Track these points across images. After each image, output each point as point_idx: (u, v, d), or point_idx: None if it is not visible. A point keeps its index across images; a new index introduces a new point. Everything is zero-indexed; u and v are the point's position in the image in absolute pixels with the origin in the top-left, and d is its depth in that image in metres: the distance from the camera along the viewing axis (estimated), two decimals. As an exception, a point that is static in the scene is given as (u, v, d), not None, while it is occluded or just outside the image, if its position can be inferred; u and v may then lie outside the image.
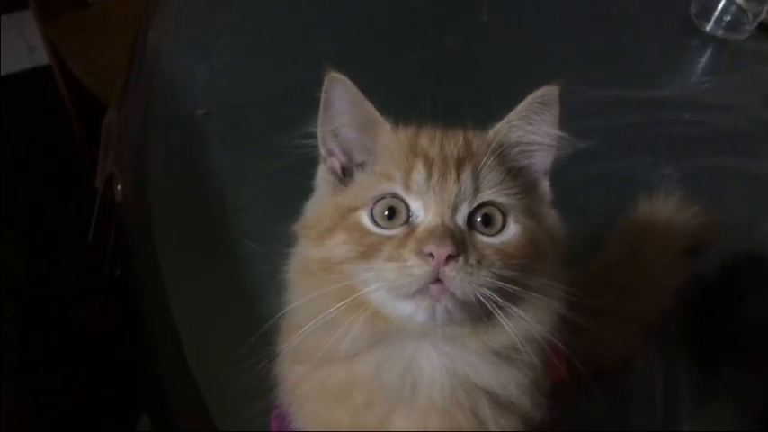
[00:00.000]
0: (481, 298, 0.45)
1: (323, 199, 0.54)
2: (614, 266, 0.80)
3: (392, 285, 0.45)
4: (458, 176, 0.48)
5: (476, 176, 0.49)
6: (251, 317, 0.77)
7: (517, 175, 0.52)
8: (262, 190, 0.87)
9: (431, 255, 0.44)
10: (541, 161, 0.53)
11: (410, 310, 0.46)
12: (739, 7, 1.14)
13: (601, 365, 0.58)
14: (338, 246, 0.49)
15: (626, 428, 0.75)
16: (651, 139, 1.01)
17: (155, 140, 0.92)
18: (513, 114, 0.51)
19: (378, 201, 0.49)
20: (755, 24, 1.16)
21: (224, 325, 0.77)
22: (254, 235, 0.83)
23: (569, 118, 0.98)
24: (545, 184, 0.54)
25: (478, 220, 0.48)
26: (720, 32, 1.16)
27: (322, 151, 0.54)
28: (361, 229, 0.49)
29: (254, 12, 1.10)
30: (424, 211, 0.48)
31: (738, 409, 0.77)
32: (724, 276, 0.83)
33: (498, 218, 0.49)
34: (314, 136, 0.53)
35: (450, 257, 0.44)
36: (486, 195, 0.49)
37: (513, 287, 0.46)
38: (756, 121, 1.06)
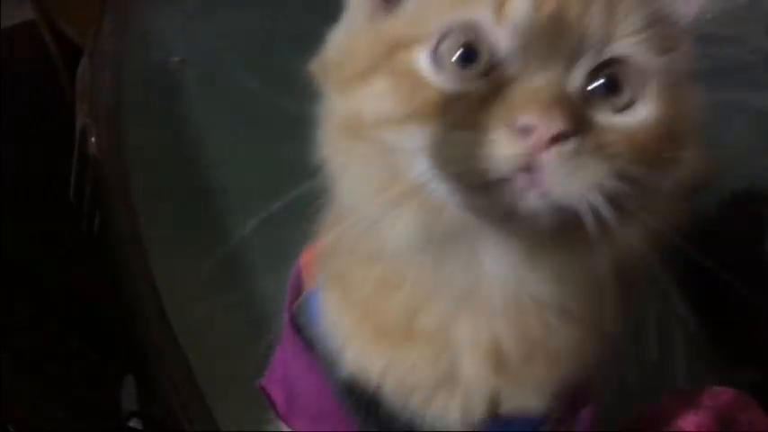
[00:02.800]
0: (587, 205, 0.30)
1: (357, 24, 0.38)
2: None
3: (459, 169, 0.31)
4: (587, 5, 0.32)
5: (611, 12, 0.32)
6: (229, 265, 0.75)
7: (660, 27, 0.35)
8: (238, 138, 0.84)
9: (527, 130, 0.30)
10: (683, 10, 0.37)
11: (479, 207, 0.32)
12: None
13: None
14: (376, 98, 0.34)
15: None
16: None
17: (129, 89, 0.89)
18: None
19: (447, 34, 0.33)
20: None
21: (202, 275, 0.76)
22: (232, 187, 0.81)
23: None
24: (685, 46, 0.37)
25: (601, 83, 0.33)
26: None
27: None
28: (415, 76, 0.33)
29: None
30: (522, 58, 0.32)
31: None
32: (720, 217, 0.81)
33: (630, 84, 0.33)
34: None
35: (556, 138, 0.29)
36: (620, 46, 0.33)
37: (631, 193, 0.31)
38: (760, 51, 1.01)
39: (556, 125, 0.29)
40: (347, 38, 0.38)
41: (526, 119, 0.29)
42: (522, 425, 0.43)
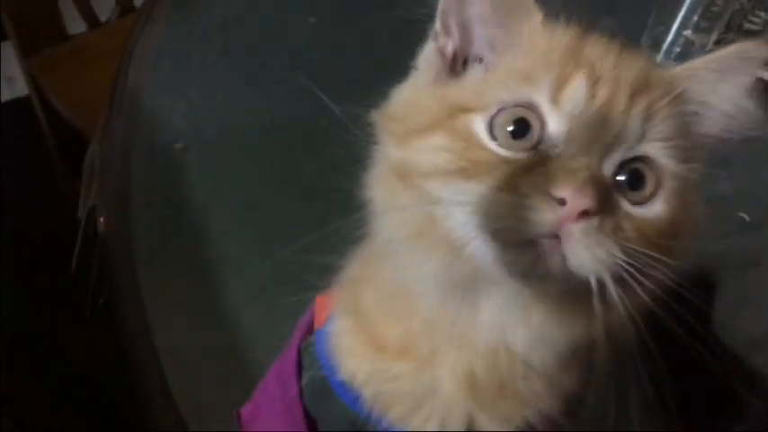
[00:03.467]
0: (594, 278, 0.35)
1: (422, 86, 0.43)
2: None
3: (495, 225, 0.35)
4: (629, 108, 0.37)
5: (648, 117, 0.37)
6: (232, 342, 0.82)
7: (683, 134, 0.40)
8: (237, 216, 0.92)
9: (562, 201, 0.34)
10: (712, 129, 0.42)
11: (498, 260, 0.36)
12: (687, 39, 1.22)
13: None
14: (431, 151, 0.38)
15: None
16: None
17: (136, 172, 0.96)
18: (701, 62, 0.42)
19: (505, 108, 0.37)
20: (703, 54, 1.24)
21: (207, 353, 0.82)
22: (232, 258, 0.88)
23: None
24: (702, 160, 0.43)
25: (625, 177, 0.37)
26: (670, 63, 1.24)
27: (437, 25, 0.42)
28: (470, 138, 0.37)
29: (226, 52, 1.15)
30: (567, 139, 0.36)
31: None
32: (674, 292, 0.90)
33: (651, 182, 0.38)
34: (428, 5, 0.43)
35: (584, 213, 0.34)
36: (649, 147, 0.38)
37: (633, 275, 0.35)
38: (704, 145, 1.12)
39: (586, 202, 0.34)
40: (412, 96, 0.43)
41: (563, 192, 0.34)
42: None
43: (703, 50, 1.23)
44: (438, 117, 0.39)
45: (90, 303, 0.95)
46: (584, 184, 0.34)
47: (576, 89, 0.37)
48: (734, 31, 1.28)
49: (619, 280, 0.35)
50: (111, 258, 0.90)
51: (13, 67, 2.50)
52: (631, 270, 0.35)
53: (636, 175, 0.37)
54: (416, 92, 0.43)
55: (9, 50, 2.21)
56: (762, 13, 1.32)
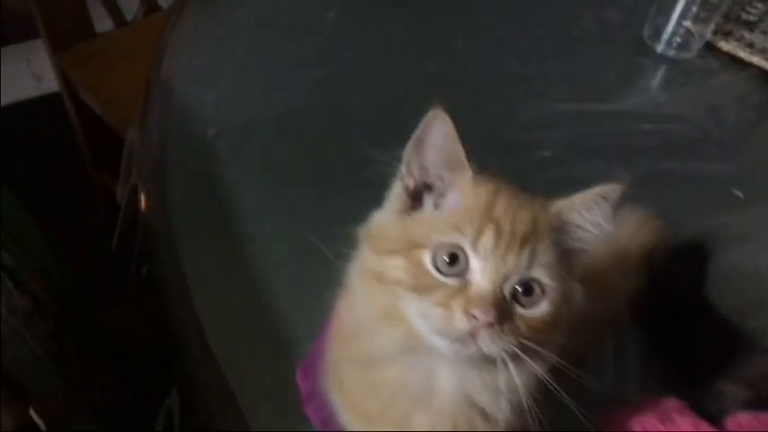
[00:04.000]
0: (498, 358, 0.52)
1: (391, 215, 0.59)
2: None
3: (433, 326, 0.52)
4: (519, 254, 0.53)
5: (533, 255, 0.53)
6: (265, 304, 0.90)
7: (561, 255, 0.56)
8: (266, 194, 1.01)
9: (475, 317, 0.50)
10: (584, 245, 0.58)
11: (441, 346, 0.53)
12: (687, 30, 1.29)
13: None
14: (395, 269, 0.54)
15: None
16: (606, 146, 1.14)
17: (172, 156, 1.05)
18: (576, 198, 0.56)
19: (442, 247, 0.53)
20: (702, 44, 1.30)
21: (245, 319, 0.90)
22: (262, 231, 0.96)
23: (542, 128, 1.13)
24: (579, 262, 0.58)
25: (520, 290, 0.53)
26: (671, 53, 1.30)
27: (403, 170, 0.58)
28: (421, 266, 0.53)
29: (254, 43, 1.24)
30: (481, 272, 0.53)
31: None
32: (667, 263, 0.97)
33: (537, 293, 0.54)
34: (399, 159, 0.58)
35: (490, 324, 0.51)
36: (534, 273, 0.54)
37: (524, 356, 0.52)
38: (701, 129, 1.19)
39: (490, 318, 0.51)
40: (385, 222, 0.59)
41: (476, 311, 0.51)
42: None
43: (701, 40, 1.30)
44: (402, 246, 0.55)
45: (133, 275, 1.04)
46: (489, 307, 0.51)
47: (487, 241, 0.53)
48: (732, 21, 1.35)
49: (514, 357, 0.52)
50: (151, 233, 0.99)
51: (42, 66, 2.61)
52: (522, 351, 0.52)
53: (527, 289, 0.54)
54: (388, 219, 0.59)
55: (38, 49, 2.30)
56: (759, 5, 1.38)
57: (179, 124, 1.09)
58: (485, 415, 0.58)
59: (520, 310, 0.54)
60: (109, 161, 1.92)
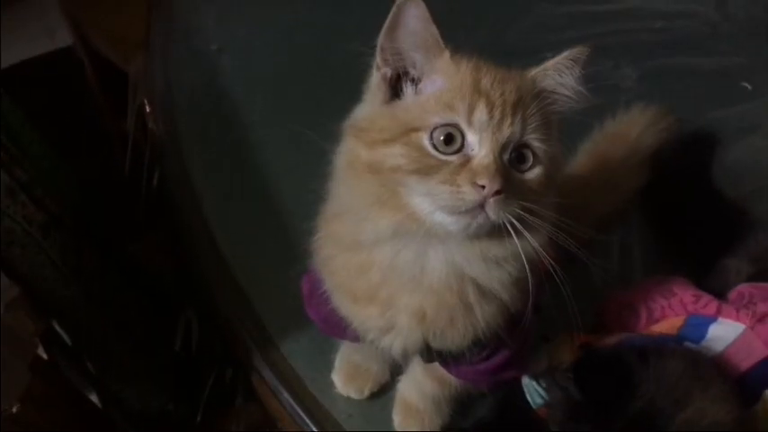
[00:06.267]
0: (506, 222, 0.53)
1: (376, 107, 0.59)
2: (585, 171, 0.92)
3: (443, 204, 0.53)
4: (512, 122, 0.55)
5: (524, 122, 0.55)
6: (273, 213, 0.92)
7: (544, 120, 0.58)
8: (268, 105, 1.02)
9: (482, 186, 0.52)
10: (560, 108, 0.59)
11: (449, 222, 0.54)
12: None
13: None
14: (395, 157, 0.55)
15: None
16: (613, 46, 1.13)
17: (177, 73, 1.06)
18: (548, 64, 0.58)
19: (437, 127, 0.55)
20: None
21: (253, 224, 0.92)
22: (264, 141, 0.98)
23: (546, 31, 1.11)
24: (558, 126, 0.60)
25: (515, 157, 0.56)
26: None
27: (378, 60, 0.58)
28: (420, 149, 0.54)
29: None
30: (479, 145, 0.54)
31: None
32: (674, 153, 0.96)
33: (530, 158, 0.56)
34: (372, 46, 0.58)
35: (497, 192, 0.52)
36: (526, 139, 0.56)
37: (528, 215, 0.54)
38: (709, 23, 1.17)
39: (497, 185, 0.52)
40: (371, 114, 0.59)
41: (483, 181, 0.52)
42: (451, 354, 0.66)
43: None
44: (396, 134, 0.56)
45: (144, 192, 1.07)
46: (495, 175, 0.53)
47: (480, 114, 0.54)
48: None
49: (519, 219, 0.54)
50: (160, 148, 1.01)
51: (54, 20, 2.62)
52: (525, 213, 0.54)
53: (521, 155, 0.56)
54: (373, 111, 0.59)
55: (50, 2, 2.31)
56: None
57: (182, 41, 1.10)
58: (479, 288, 0.60)
59: (518, 175, 0.56)
60: (123, 106, 1.94)
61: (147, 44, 1.14)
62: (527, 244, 0.56)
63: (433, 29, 0.56)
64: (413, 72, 0.58)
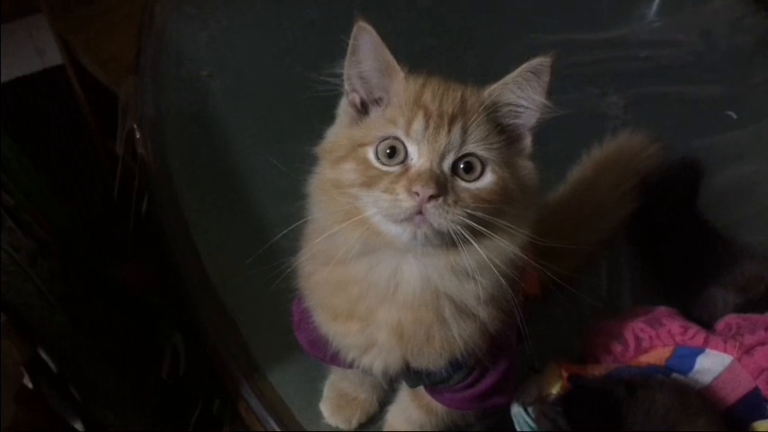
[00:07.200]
0: (451, 231, 0.54)
1: (341, 129, 0.63)
2: (573, 198, 0.93)
3: (385, 212, 0.55)
4: (449, 131, 0.56)
5: (464, 132, 0.57)
6: (256, 231, 0.92)
7: (502, 131, 0.59)
8: (257, 133, 1.02)
9: (417, 193, 0.54)
10: (526, 121, 0.60)
11: (397, 232, 0.56)
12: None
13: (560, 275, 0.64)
14: (348, 172, 0.58)
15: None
16: (600, 74, 1.14)
17: (167, 97, 1.06)
18: (508, 78, 0.58)
19: (382, 141, 0.57)
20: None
21: (242, 249, 0.91)
22: (254, 168, 0.98)
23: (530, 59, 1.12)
24: (527, 140, 0.61)
25: (461, 167, 0.57)
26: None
27: (346, 86, 0.61)
28: (366, 162, 0.57)
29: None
30: (418, 155, 0.56)
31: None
32: (661, 181, 0.97)
33: (477, 167, 0.57)
34: (339, 75, 0.61)
35: (432, 197, 0.54)
36: (469, 148, 0.57)
37: (480, 226, 0.55)
38: (694, 53, 1.19)
39: (430, 190, 0.54)
40: (336, 136, 0.63)
41: (416, 187, 0.54)
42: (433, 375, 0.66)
43: None
44: (349, 150, 0.59)
45: (133, 216, 1.06)
46: (428, 181, 0.54)
47: (417, 125, 0.57)
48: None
49: (469, 228, 0.55)
50: (148, 173, 1.01)
51: (44, 40, 2.62)
52: (475, 222, 0.55)
53: (468, 164, 0.57)
54: (338, 133, 0.63)
55: (40, 23, 2.30)
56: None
57: (172, 67, 1.10)
58: (454, 302, 0.61)
59: (463, 183, 0.57)
60: (112, 127, 1.93)
61: (137, 68, 1.14)
62: (479, 255, 0.56)
63: (386, 53, 0.59)
64: (377, 93, 0.61)
